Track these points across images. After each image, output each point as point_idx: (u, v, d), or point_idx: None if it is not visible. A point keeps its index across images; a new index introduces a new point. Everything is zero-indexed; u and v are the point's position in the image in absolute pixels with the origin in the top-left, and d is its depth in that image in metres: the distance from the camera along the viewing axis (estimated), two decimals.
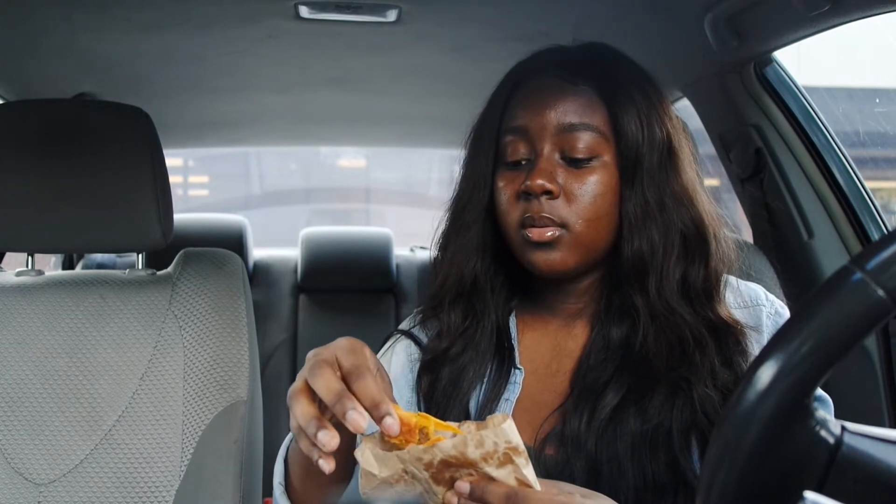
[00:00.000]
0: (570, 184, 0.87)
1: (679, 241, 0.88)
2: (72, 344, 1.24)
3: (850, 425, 0.53)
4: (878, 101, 1.98)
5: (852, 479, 0.52)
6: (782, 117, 1.54)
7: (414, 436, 0.72)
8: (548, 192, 0.86)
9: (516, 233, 0.89)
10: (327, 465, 0.71)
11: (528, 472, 0.71)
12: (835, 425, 0.53)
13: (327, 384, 0.69)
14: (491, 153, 0.92)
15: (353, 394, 0.68)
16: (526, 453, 0.70)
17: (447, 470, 0.72)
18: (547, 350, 0.95)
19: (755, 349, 0.89)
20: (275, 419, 2.32)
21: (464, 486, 0.71)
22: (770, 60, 1.52)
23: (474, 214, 0.94)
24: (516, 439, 0.70)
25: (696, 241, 0.89)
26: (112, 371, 1.23)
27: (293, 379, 2.52)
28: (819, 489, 0.51)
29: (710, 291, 0.89)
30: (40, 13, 1.35)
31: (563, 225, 0.86)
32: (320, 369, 0.70)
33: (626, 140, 0.87)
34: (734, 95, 1.56)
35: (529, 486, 0.71)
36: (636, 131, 0.87)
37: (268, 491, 1.30)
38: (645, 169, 0.87)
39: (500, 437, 0.69)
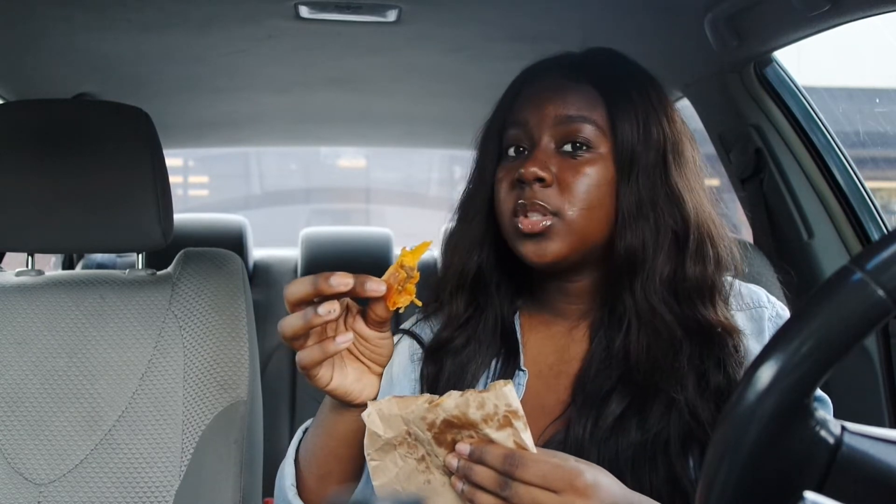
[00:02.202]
0: (564, 173, 0.87)
1: (671, 240, 0.88)
2: (72, 344, 1.24)
3: (850, 425, 0.53)
4: (878, 101, 1.98)
5: (852, 479, 0.52)
6: (782, 117, 1.54)
7: (400, 273, 0.76)
8: (540, 180, 0.86)
9: (509, 221, 0.90)
10: (345, 338, 0.76)
11: (526, 437, 0.73)
12: (835, 425, 0.53)
13: (300, 283, 0.75)
14: (495, 148, 0.94)
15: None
16: (524, 418, 0.72)
17: (449, 431, 0.74)
18: (550, 353, 0.95)
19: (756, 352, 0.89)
20: (275, 419, 2.33)
21: (464, 447, 0.73)
22: (770, 60, 1.52)
23: (477, 207, 0.95)
24: (516, 404, 0.72)
25: (686, 241, 0.88)
26: (112, 371, 1.23)
27: (293, 379, 2.52)
28: (819, 489, 0.51)
29: (699, 293, 0.88)
30: (40, 13, 1.35)
31: (555, 213, 0.87)
32: (288, 285, 0.76)
33: (623, 136, 0.88)
34: (734, 95, 1.56)
35: (527, 450, 0.72)
36: (632, 129, 0.88)
37: (268, 491, 1.30)
38: (640, 166, 0.88)
39: (500, 400, 0.72)
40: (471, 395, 0.73)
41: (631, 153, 0.88)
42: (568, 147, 0.88)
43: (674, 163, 0.90)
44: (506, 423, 0.72)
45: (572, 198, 0.87)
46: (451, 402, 0.73)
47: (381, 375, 0.85)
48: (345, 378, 0.81)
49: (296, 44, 1.54)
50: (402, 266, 0.77)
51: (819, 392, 0.81)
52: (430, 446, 0.75)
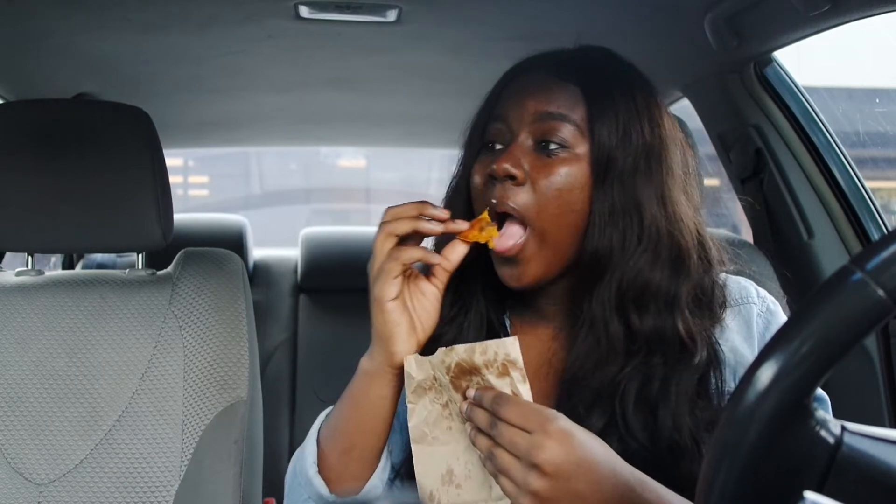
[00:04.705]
0: (537, 172, 0.86)
1: (637, 247, 0.86)
2: (72, 344, 1.24)
3: (850, 425, 0.53)
4: (878, 101, 1.98)
5: (852, 479, 0.52)
6: (782, 117, 1.54)
7: (482, 223, 0.85)
8: (511, 177, 0.85)
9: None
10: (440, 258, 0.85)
11: (523, 389, 0.77)
12: (835, 425, 0.53)
13: (402, 222, 0.84)
14: (477, 143, 0.93)
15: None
16: (523, 371, 0.76)
17: (463, 377, 0.79)
18: (535, 356, 0.93)
19: (742, 349, 0.90)
20: (275, 419, 2.33)
21: (471, 392, 0.78)
22: (770, 60, 1.53)
23: (459, 202, 0.94)
24: (514, 354, 0.76)
25: (654, 249, 0.86)
26: (112, 371, 1.22)
27: (293, 379, 2.52)
28: (819, 489, 0.51)
29: (658, 302, 0.86)
30: (40, 13, 1.35)
31: (522, 220, 0.86)
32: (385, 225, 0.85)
33: (600, 138, 0.86)
34: (734, 95, 1.57)
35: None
36: (611, 132, 0.86)
37: (268, 491, 1.30)
38: (616, 170, 0.86)
39: (500, 349, 0.77)
40: (477, 343, 0.78)
41: (608, 156, 0.86)
42: (544, 144, 0.87)
43: (651, 169, 0.87)
44: (504, 371, 0.76)
45: (543, 200, 0.85)
46: (462, 346, 0.78)
47: (420, 346, 0.86)
48: (404, 308, 0.86)
49: (296, 44, 1.54)
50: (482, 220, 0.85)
51: (819, 392, 0.81)
52: (449, 392, 0.80)
